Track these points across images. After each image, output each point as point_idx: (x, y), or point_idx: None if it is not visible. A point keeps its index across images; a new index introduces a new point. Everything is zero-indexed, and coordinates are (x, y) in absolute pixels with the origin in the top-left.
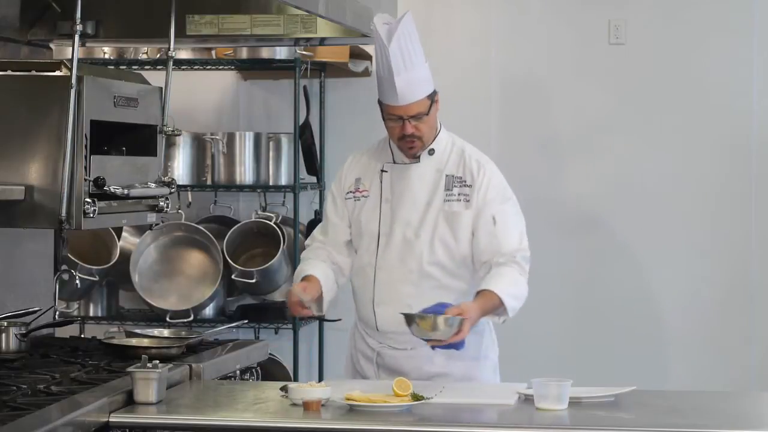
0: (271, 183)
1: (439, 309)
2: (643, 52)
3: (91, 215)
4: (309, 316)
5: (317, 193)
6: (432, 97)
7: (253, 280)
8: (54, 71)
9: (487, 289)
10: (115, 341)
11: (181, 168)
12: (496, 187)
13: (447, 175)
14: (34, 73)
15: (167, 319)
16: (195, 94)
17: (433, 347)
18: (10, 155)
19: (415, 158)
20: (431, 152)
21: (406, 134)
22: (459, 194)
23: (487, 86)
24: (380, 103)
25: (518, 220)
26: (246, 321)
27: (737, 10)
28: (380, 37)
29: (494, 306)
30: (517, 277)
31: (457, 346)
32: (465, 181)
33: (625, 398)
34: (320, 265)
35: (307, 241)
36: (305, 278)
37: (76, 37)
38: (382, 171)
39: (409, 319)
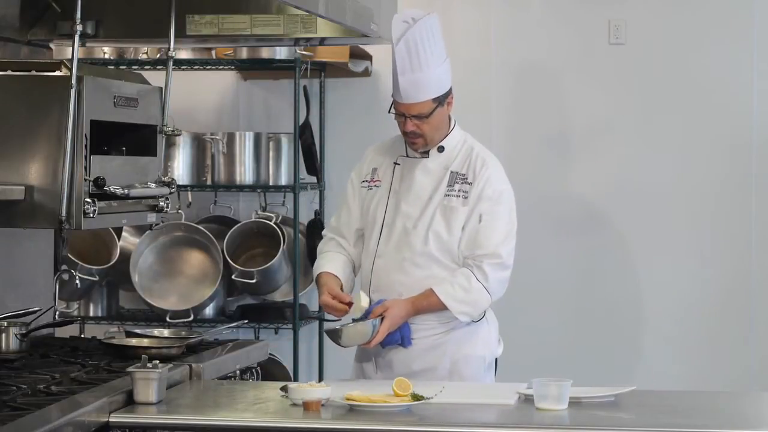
0: (271, 183)
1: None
2: (643, 52)
3: (91, 215)
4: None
5: (317, 193)
6: (440, 100)
7: (253, 280)
8: (54, 71)
9: (430, 289)
10: (115, 341)
11: (181, 168)
12: (493, 186)
13: (452, 172)
14: (34, 73)
15: (167, 319)
16: (195, 94)
17: (382, 345)
18: (10, 155)
19: (425, 154)
20: (441, 149)
21: (406, 131)
22: (459, 191)
23: (487, 86)
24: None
25: (506, 224)
26: (246, 321)
27: (737, 10)
28: (392, 35)
29: (431, 305)
30: (471, 283)
31: (402, 343)
32: (467, 179)
33: (625, 398)
34: (338, 259)
35: (324, 231)
36: (325, 275)
37: (76, 37)
38: (395, 164)
39: (332, 335)
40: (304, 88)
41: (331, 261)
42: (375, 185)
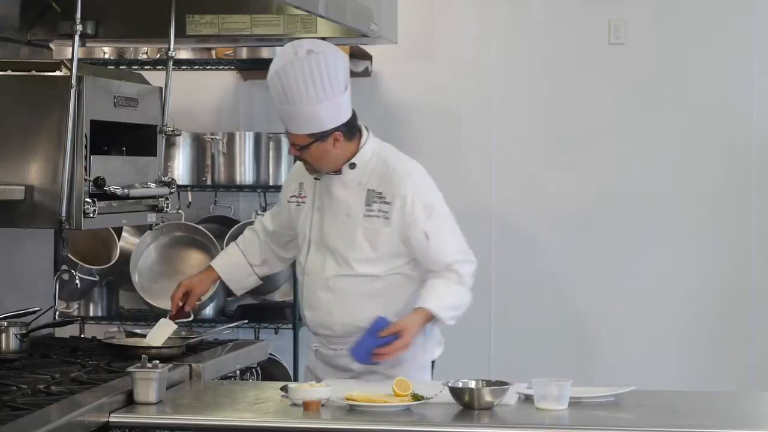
0: (271, 183)
1: (380, 325)
2: (643, 52)
3: (91, 215)
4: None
5: None
6: (317, 137)
7: None
8: (54, 71)
9: (421, 307)
10: (115, 341)
11: (181, 168)
12: (421, 201)
13: (368, 190)
14: (34, 73)
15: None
16: (195, 94)
17: (377, 363)
18: (10, 155)
19: (337, 171)
20: (352, 166)
21: (290, 153)
22: (378, 211)
23: (487, 86)
24: None
25: (450, 230)
26: (246, 321)
27: (737, 10)
28: (273, 62)
29: (431, 317)
30: (451, 287)
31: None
32: (384, 198)
33: (625, 398)
34: (232, 254)
35: (251, 225)
36: (207, 269)
37: (76, 37)
38: (316, 179)
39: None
40: None
41: (222, 256)
42: (302, 201)
